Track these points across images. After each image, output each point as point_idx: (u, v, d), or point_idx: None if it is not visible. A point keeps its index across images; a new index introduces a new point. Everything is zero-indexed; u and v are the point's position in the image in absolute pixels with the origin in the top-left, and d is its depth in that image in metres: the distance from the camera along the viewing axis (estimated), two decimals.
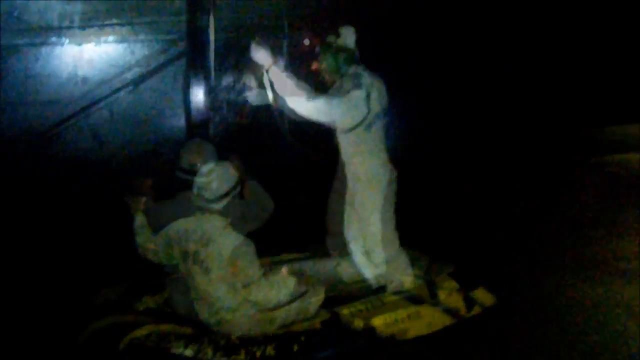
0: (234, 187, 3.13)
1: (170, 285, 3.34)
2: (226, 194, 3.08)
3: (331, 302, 3.35)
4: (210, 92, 5.58)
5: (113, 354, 2.93)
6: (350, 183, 3.77)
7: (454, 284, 3.50)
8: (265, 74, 3.49)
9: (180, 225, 3.16)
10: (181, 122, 5.93)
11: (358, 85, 3.50)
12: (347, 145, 3.68)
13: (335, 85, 3.66)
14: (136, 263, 3.43)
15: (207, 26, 5.85)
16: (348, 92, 3.48)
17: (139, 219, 3.36)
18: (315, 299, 3.28)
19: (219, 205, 3.07)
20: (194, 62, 5.85)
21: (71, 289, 3.75)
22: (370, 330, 3.16)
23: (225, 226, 3.07)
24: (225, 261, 2.97)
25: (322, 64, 3.68)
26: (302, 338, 3.02)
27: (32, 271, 4.26)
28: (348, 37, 3.66)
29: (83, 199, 5.41)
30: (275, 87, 3.47)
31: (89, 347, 3.03)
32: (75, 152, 5.90)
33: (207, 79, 5.81)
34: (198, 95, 5.70)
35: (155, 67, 6.07)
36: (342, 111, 3.49)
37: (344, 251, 3.93)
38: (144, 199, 3.46)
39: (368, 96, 3.50)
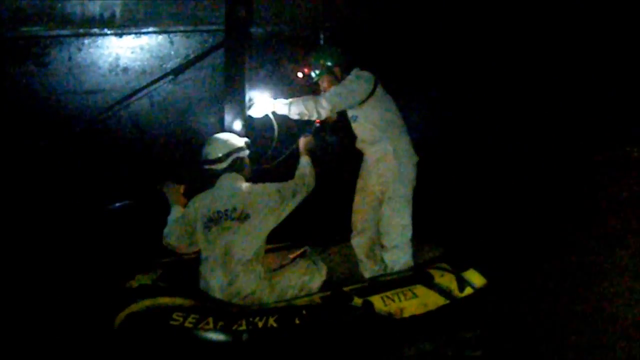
0: (237, 149, 3.46)
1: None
2: (228, 154, 3.42)
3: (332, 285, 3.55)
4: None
5: (149, 337, 3.03)
6: (376, 176, 4.00)
7: (445, 265, 3.64)
8: (270, 116, 3.89)
9: (198, 199, 3.45)
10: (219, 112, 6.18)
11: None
12: (372, 124, 3.91)
13: None
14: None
15: (246, 18, 6.04)
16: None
17: (176, 211, 3.55)
18: (318, 278, 3.54)
19: (223, 165, 3.42)
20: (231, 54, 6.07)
21: (107, 274, 3.80)
22: (369, 306, 3.28)
23: (240, 178, 3.44)
24: (261, 195, 3.33)
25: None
26: (304, 312, 3.14)
27: (68, 256, 4.52)
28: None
29: (122, 186, 5.70)
30: (290, 115, 3.81)
31: (124, 330, 3.12)
32: (117, 140, 6.18)
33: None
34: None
35: (194, 57, 6.28)
36: (349, 89, 3.82)
37: (370, 252, 4.09)
38: (182, 187, 3.67)
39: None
